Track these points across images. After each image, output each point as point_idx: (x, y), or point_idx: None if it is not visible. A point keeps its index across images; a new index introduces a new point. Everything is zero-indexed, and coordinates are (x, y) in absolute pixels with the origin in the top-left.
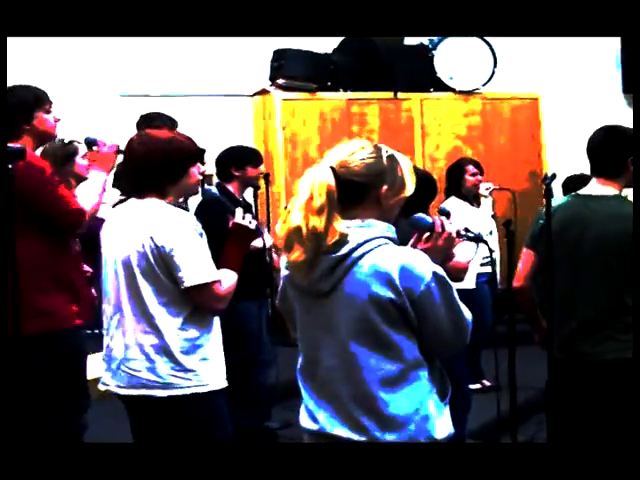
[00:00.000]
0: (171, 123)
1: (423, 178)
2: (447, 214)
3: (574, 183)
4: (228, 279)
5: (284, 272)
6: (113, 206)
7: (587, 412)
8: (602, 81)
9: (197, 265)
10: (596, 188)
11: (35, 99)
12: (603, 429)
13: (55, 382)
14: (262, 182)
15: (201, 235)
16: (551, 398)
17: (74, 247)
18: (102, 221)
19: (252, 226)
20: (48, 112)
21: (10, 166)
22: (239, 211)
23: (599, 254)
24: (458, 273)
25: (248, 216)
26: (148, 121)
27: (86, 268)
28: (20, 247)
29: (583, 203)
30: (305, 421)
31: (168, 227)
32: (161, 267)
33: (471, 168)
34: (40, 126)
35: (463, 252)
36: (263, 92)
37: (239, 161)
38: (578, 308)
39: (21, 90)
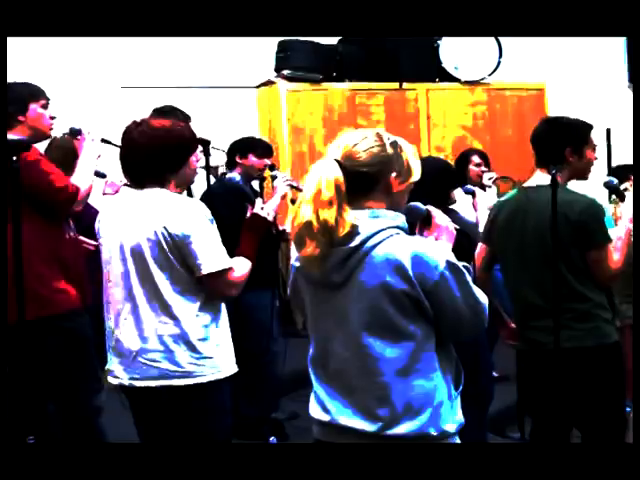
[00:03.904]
0: (184, 117)
1: (442, 167)
2: (472, 193)
3: (622, 173)
4: (242, 266)
5: (295, 263)
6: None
7: (551, 402)
8: (608, 71)
9: (213, 252)
10: (538, 178)
11: (30, 93)
12: (567, 418)
13: (61, 367)
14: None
15: (211, 222)
16: (521, 390)
17: (68, 232)
18: (96, 213)
19: (270, 217)
20: (44, 107)
21: (15, 158)
22: (259, 202)
23: (539, 242)
24: None
25: (267, 207)
26: (161, 115)
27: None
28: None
29: (525, 195)
30: (316, 411)
31: (181, 215)
32: (175, 256)
33: (475, 159)
34: (34, 119)
35: None
36: (268, 83)
37: (243, 149)
38: (528, 298)
39: (18, 85)
